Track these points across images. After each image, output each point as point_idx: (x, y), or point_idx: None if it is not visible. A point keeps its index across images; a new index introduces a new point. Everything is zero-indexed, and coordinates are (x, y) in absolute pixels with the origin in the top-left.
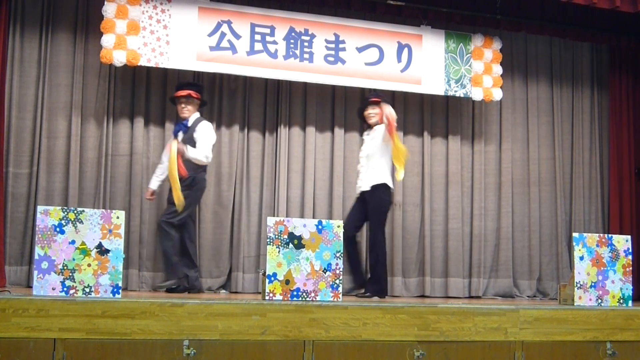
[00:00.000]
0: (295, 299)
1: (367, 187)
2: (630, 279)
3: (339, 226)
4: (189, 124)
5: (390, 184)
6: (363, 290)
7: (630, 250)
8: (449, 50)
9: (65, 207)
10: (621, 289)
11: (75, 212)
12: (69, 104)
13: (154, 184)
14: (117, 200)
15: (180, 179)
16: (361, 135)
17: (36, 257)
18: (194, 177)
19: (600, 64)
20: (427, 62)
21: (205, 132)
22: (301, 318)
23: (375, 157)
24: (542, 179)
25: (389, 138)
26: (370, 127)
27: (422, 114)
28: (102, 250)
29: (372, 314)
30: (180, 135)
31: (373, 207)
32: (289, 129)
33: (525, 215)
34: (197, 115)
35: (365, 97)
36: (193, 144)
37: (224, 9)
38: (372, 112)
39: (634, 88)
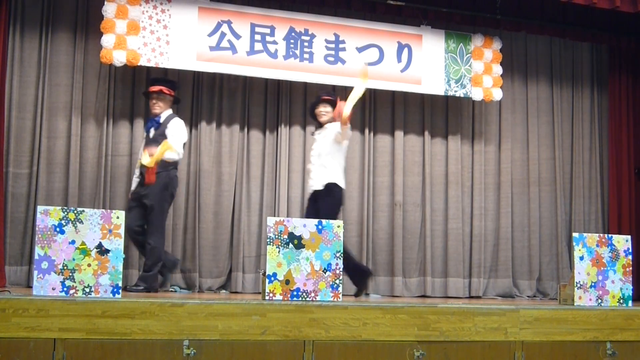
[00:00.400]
0: (295, 299)
1: (319, 187)
2: (630, 279)
3: (339, 226)
4: (161, 120)
5: (342, 184)
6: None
7: (630, 250)
8: (449, 50)
9: (65, 207)
10: (621, 289)
11: (75, 212)
12: (69, 104)
13: (135, 185)
14: (117, 200)
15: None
16: (312, 133)
17: (36, 257)
18: (167, 175)
19: (600, 64)
20: (427, 62)
21: (177, 129)
22: (301, 318)
23: (327, 156)
24: (542, 179)
25: (341, 138)
26: (321, 125)
27: (422, 114)
28: (102, 250)
29: (372, 314)
30: (152, 132)
31: (324, 206)
32: (289, 129)
33: (525, 215)
34: (169, 111)
35: (317, 95)
36: (161, 138)
37: (224, 9)
38: (323, 110)
39: (634, 88)
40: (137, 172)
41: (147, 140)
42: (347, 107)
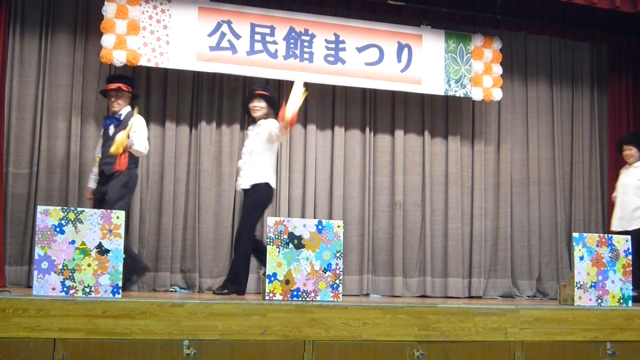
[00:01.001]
0: (295, 299)
1: (247, 186)
2: (630, 279)
3: (339, 226)
4: (122, 117)
5: (273, 183)
6: (222, 287)
7: (630, 250)
8: (449, 50)
9: (65, 207)
10: (621, 289)
11: (75, 212)
12: (68, 105)
13: (93, 183)
14: None
15: (116, 175)
16: (245, 129)
17: (36, 257)
18: (128, 173)
19: (600, 64)
20: (427, 62)
21: (140, 125)
22: (301, 318)
23: (259, 154)
24: (542, 179)
25: (275, 138)
26: (254, 121)
27: (422, 114)
28: (102, 250)
29: (372, 314)
30: (112, 129)
31: (251, 204)
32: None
33: (525, 216)
34: (128, 108)
35: (250, 89)
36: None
37: (224, 9)
38: (257, 106)
39: (634, 88)
40: (95, 170)
41: (105, 138)
42: (288, 111)
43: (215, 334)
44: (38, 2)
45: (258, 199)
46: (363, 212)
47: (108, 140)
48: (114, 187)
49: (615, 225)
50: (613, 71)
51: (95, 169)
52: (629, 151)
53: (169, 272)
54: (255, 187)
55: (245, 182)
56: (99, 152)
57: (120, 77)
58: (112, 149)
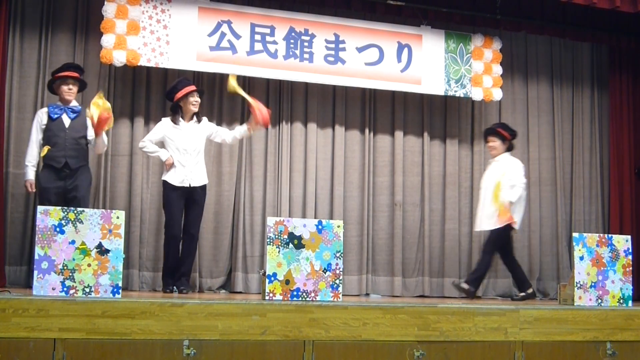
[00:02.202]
0: (295, 299)
1: (198, 184)
2: (630, 279)
3: (339, 226)
4: (79, 109)
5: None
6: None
7: (630, 250)
8: (449, 50)
9: (65, 207)
10: (621, 289)
11: (75, 212)
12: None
13: (34, 174)
14: (117, 200)
15: (83, 170)
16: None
17: (36, 257)
18: (89, 169)
19: (600, 64)
20: (427, 62)
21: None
22: (301, 318)
23: (200, 153)
24: (542, 179)
25: (240, 137)
26: (187, 117)
27: (422, 114)
28: (102, 250)
29: (372, 314)
30: (67, 120)
31: (202, 205)
32: (290, 129)
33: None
34: (77, 99)
35: (184, 81)
36: (84, 131)
37: (224, 9)
38: (197, 100)
39: (634, 88)
40: (33, 161)
41: (59, 127)
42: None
43: (215, 334)
44: (38, 2)
45: (204, 200)
46: (363, 212)
47: (64, 130)
48: (84, 184)
49: (477, 225)
50: (613, 71)
51: (35, 160)
52: (493, 143)
53: None
54: (204, 188)
55: (197, 180)
56: (51, 143)
57: (78, 67)
58: (92, 112)
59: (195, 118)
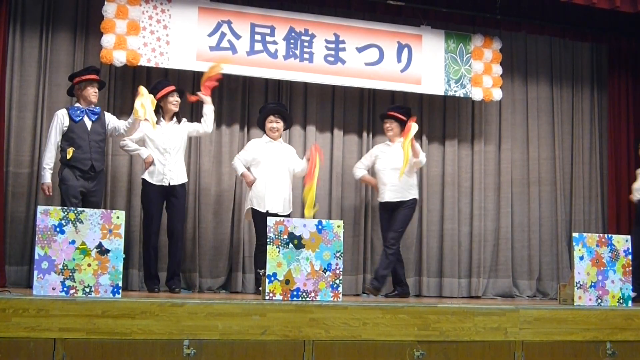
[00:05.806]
0: (295, 299)
1: (179, 182)
2: (630, 279)
3: (338, 226)
4: (99, 112)
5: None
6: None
7: (629, 250)
8: (449, 50)
9: (66, 207)
10: (621, 289)
11: (75, 212)
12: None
13: (49, 177)
14: (117, 200)
15: (101, 173)
16: (157, 122)
17: (36, 257)
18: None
19: (600, 64)
20: (427, 62)
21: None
22: (301, 318)
23: (179, 153)
24: (542, 179)
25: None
26: (178, 118)
27: (422, 114)
28: (102, 250)
29: (372, 314)
30: (89, 123)
31: (183, 203)
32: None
33: (525, 215)
34: None
35: (163, 82)
36: (104, 133)
37: (224, 9)
38: (177, 100)
39: (634, 88)
40: (50, 164)
41: (82, 130)
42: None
43: (215, 334)
44: (38, 1)
45: (185, 198)
46: (361, 213)
47: (87, 132)
48: (102, 188)
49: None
50: (613, 71)
51: (53, 163)
52: (389, 124)
53: None
54: (184, 186)
55: (176, 178)
56: (75, 145)
57: (99, 69)
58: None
59: (175, 118)
